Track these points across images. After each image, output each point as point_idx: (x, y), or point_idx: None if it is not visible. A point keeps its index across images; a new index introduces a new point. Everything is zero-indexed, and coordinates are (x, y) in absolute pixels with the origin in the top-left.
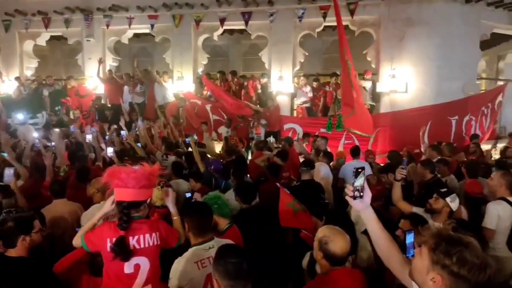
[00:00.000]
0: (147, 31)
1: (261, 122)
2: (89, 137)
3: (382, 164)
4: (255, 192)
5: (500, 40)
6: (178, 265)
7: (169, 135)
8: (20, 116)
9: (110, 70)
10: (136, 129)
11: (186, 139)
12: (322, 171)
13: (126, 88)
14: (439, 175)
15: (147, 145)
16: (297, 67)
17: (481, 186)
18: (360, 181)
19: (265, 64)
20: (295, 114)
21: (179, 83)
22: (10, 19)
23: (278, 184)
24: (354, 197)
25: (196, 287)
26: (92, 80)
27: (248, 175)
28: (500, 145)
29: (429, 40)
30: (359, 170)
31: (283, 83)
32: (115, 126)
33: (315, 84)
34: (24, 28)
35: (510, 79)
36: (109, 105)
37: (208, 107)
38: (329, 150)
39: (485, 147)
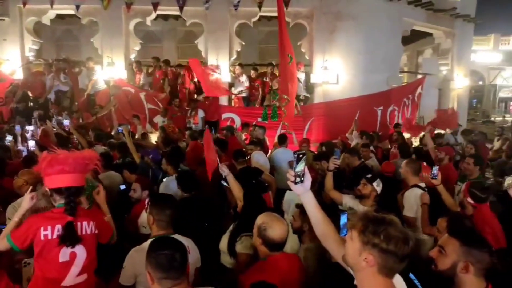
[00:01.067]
0: (72, 12)
1: (199, 111)
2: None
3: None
4: (197, 181)
5: (419, 37)
6: (135, 254)
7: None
8: None
9: (29, 62)
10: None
11: (119, 128)
12: (260, 160)
13: (48, 77)
14: (363, 159)
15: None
16: (234, 56)
17: (393, 167)
18: (301, 167)
19: (202, 52)
20: (232, 104)
21: (110, 70)
22: None
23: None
24: (295, 182)
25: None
26: (9, 64)
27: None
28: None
29: (356, 34)
30: (300, 156)
31: (220, 72)
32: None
33: (253, 73)
34: None
35: (428, 73)
36: (31, 97)
37: (142, 95)
38: (267, 140)
39: (406, 135)
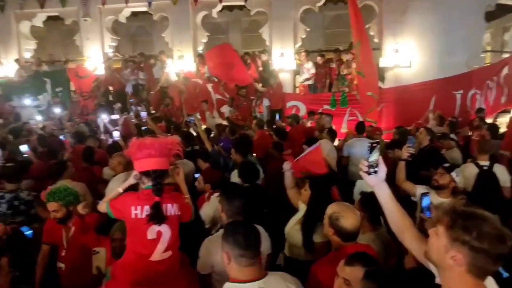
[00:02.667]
0: (144, 9)
1: (264, 100)
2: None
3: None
4: (257, 172)
5: (506, 11)
6: (208, 244)
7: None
8: (27, 101)
9: (109, 58)
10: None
11: (190, 118)
12: (326, 149)
13: (125, 72)
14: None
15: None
16: (299, 43)
17: None
18: (375, 156)
19: (266, 41)
20: (297, 92)
21: (180, 63)
22: None
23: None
24: (369, 173)
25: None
26: (91, 60)
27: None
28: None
29: (431, 13)
30: (374, 145)
31: (285, 60)
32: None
33: (319, 59)
34: (19, 8)
35: None
36: (111, 91)
37: (209, 86)
38: (333, 127)
39: (489, 121)
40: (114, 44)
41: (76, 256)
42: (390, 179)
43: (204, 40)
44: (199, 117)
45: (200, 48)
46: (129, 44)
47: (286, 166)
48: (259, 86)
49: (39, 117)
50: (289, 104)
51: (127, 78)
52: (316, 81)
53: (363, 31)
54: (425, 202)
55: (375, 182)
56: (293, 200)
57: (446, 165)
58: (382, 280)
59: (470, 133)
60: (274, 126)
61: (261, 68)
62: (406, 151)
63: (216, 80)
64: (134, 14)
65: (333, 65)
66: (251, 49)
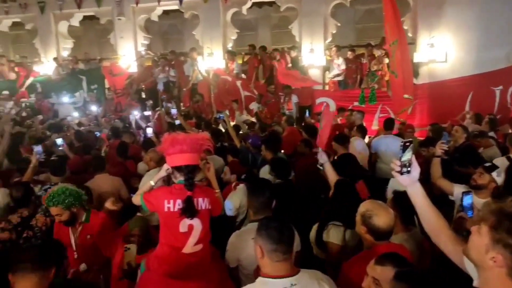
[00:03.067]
0: (176, 7)
1: (292, 97)
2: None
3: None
4: (290, 168)
5: None
6: (235, 239)
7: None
8: (65, 99)
9: (141, 56)
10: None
11: (219, 115)
12: (359, 146)
13: (156, 69)
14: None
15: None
16: (329, 39)
17: None
18: (408, 155)
19: (296, 37)
20: (327, 88)
21: (210, 60)
22: (44, 1)
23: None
24: (401, 172)
25: (252, 264)
26: (125, 58)
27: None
28: None
29: (469, 5)
30: (407, 143)
31: (314, 56)
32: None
33: (350, 54)
34: (58, 9)
35: None
36: (143, 88)
37: (238, 83)
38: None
39: None
40: (146, 42)
41: (88, 257)
42: (424, 179)
43: (234, 37)
44: (228, 113)
45: (229, 45)
46: (161, 42)
47: (323, 157)
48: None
49: (75, 114)
50: (318, 100)
51: (158, 75)
52: (346, 77)
53: (401, 29)
54: (467, 201)
55: (408, 182)
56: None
57: (487, 164)
58: (413, 281)
59: (510, 131)
60: (303, 123)
61: (290, 65)
62: (440, 147)
63: (244, 76)
64: (166, 12)
65: (364, 61)
66: (280, 45)
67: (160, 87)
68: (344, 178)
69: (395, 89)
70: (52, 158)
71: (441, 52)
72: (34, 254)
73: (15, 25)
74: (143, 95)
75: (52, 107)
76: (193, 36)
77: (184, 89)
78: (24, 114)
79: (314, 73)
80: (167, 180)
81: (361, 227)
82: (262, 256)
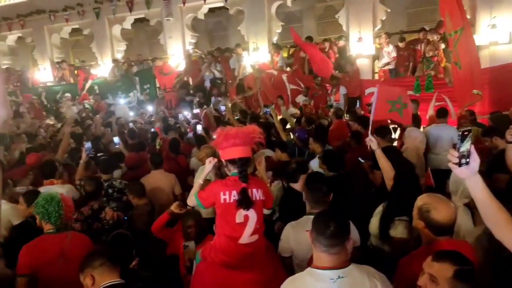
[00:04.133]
0: (221, 4)
1: (340, 88)
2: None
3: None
4: (343, 160)
5: None
6: (290, 230)
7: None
8: (121, 100)
9: (188, 54)
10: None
11: (266, 110)
12: (418, 137)
13: (203, 66)
14: None
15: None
16: (378, 26)
17: None
18: (466, 146)
19: (343, 26)
20: (377, 78)
21: (255, 54)
22: (99, 6)
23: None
24: (460, 164)
25: (305, 255)
26: (174, 58)
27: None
28: None
29: None
30: (465, 133)
31: (363, 44)
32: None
33: (401, 42)
34: (112, 14)
35: None
36: (191, 85)
37: (284, 77)
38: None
39: None
40: (193, 41)
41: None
42: (487, 171)
43: (279, 30)
44: (274, 107)
45: (274, 39)
46: (207, 40)
47: (373, 143)
48: (335, 72)
49: (130, 113)
50: (367, 91)
51: (205, 72)
52: (397, 65)
53: (464, 15)
54: None
55: (467, 174)
56: None
57: None
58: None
59: None
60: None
61: (337, 55)
62: (510, 134)
63: (290, 70)
64: (212, 10)
65: (417, 47)
66: (327, 36)
67: (207, 84)
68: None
69: (459, 82)
70: (102, 157)
71: (504, 33)
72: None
73: (74, 31)
74: (191, 91)
75: (109, 107)
76: (238, 32)
77: (231, 81)
78: (83, 114)
79: (363, 62)
80: (219, 174)
81: (418, 222)
82: (315, 248)
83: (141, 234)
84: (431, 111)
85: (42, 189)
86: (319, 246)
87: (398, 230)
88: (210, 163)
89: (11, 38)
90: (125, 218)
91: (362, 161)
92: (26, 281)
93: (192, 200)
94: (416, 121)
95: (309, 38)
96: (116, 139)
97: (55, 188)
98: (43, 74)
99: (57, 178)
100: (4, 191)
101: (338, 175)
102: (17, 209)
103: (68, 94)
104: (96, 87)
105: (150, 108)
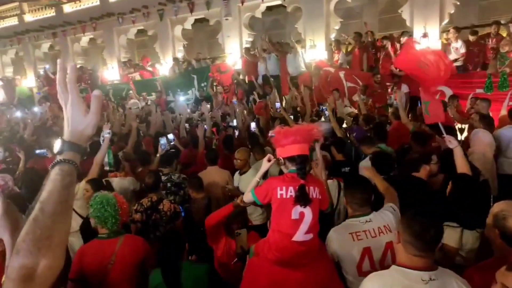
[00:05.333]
0: (279, 2)
1: (402, 86)
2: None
3: None
4: (392, 163)
5: None
6: (333, 233)
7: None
8: (181, 98)
9: (246, 48)
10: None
11: (323, 107)
12: (485, 138)
13: (258, 62)
14: None
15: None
16: (446, 20)
17: None
18: None
19: (406, 21)
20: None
21: (312, 52)
22: (163, 8)
23: None
24: None
25: (349, 258)
26: (232, 56)
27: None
28: None
29: None
30: None
31: (428, 40)
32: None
33: (471, 36)
34: (174, 15)
35: None
36: (246, 81)
37: (341, 74)
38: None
39: None
40: (250, 39)
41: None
42: None
43: (337, 26)
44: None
45: (332, 35)
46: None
47: (453, 142)
48: (396, 70)
49: (188, 110)
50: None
51: (259, 68)
52: (466, 62)
53: None
54: None
55: None
56: None
57: None
58: None
59: None
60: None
61: (398, 52)
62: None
63: (348, 67)
64: (269, 8)
65: (488, 42)
66: (388, 32)
67: (260, 80)
68: (464, 173)
69: None
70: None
71: None
72: None
73: (139, 32)
74: (245, 88)
75: (169, 104)
76: (295, 29)
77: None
78: (146, 110)
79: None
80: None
81: (492, 229)
82: (398, 242)
83: (198, 227)
84: (503, 111)
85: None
86: (413, 249)
87: (445, 236)
88: (268, 162)
89: (84, 39)
90: (181, 210)
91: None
92: (75, 286)
93: (248, 196)
94: (487, 122)
95: (358, 34)
96: (170, 136)
97: (120, 181)
98: (111, 72)
99: (120, 171)
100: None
101: (386, 178)
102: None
103: (131, 92)
104: (158, 84)
105: (204, 105)
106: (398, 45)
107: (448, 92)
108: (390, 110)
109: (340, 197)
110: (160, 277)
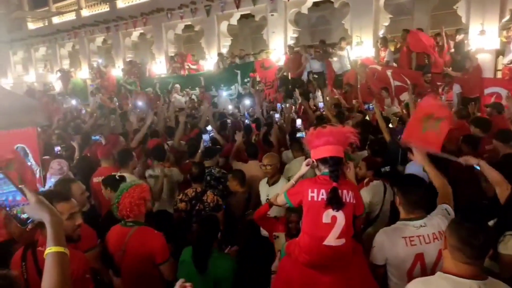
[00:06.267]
0: None
1: (454, 87)
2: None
3: None
4: (444, 168)
5: None
6: (383, 236)
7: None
8: (223, 93)
9: (290, 46)
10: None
11: (370, 106)
12: None
13: (303, 60)
14: None
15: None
16: (507, 17)
17: None
18: None
19: (462, 17)
20: (499, 76)
21: (358, 49)
22: (210, 4)
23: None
24: None
25: (400, 264)
26: (276, 52)
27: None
28: None
29: None
30: None
31: (486, 38)
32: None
33: None
34: (220, 10)
35: None
36: (290, 78)
37: (389, 72)
38: None
39: None
40: (295, 35)
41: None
42: None
43: (386, 23)
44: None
45: (381, 32)
46: (308, 34)
47: (471, 159)
48: (449, 70)
49: (230, 106)
50: (487, 90)
51: (305, 64)
52: None
53: None
54: None
55: None
56: None
57: None
58: None
59: None
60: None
61: (452, 50)
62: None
63: (396, 65)
64: (316, 4)
65: None
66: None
67: (305, 77)
68: None
69: None
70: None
71: None
72: None
73: (186, 27)
74: (289, 86)
75: (212, 99)
76: (342, 26)
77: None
78: (190, 105)
79: (484, 58)
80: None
81: None
82: (445, 248)
83: (237, 220)
84: None
85: (150, 171)
86: (460, 256)
87: (509, 246)
88: (306, 166)
89: (135, 34)
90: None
91: (478, 167)
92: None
93: (281, 198)
94: None
95: (406, 31)
96: (209, 127)
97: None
98: (158, 66)
99: (165, 161)
100: (127, 163)
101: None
102: None
103: (177, 85)
104: (202, 79)
105: (247, 101)
106: (452, 43)
107: (505, 94)
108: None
109: (385, 199)
110: (188, 254)
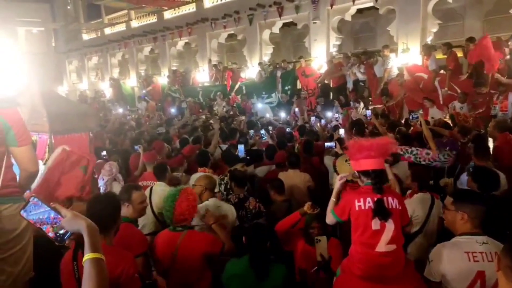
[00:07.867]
0: (370, 4)
1: (509, 96)
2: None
3: None
4: (497, 180)
5: None
6: (443, 249)
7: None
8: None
9: (332, 57)
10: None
11: (414, 115)
12: None
13: (345, 68)
14: None
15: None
16: None
17: None
18: None
19: None
20: None
21: (404, 56)
22: (253, 13)
23: None
24: None
25: (460, 279)
26: (317, 60)
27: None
28: None
29: None
30: None
31: None
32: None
33: None
34: (263, 19)
35: None
36: (331, 86)
37: (436, 80)
38: None
39: None
40: (338, 43)
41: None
42: None
43: (434, 29)
44: (422, 112)
45: (429, 39)
46: (351, 42)
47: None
48: (499, 76)
49: (270, 113)
50: None
51: (347, 71)
52: None
53: None
54: None
55: None
56: None
57: None
58: None
59: None
60: None
61: (508, 56)
62: None
63: (443, 72)
64: (359, 11)
65: None
66: (495, 35)
67: (350, 85)
68: None
69: None
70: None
71: None
72: None
73: (229, 36)
74: (331, 94)
75: (253, 107)
76: (387, 33)
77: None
78: (231, 112)
79: None
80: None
81: None
82: (498, 269)
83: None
84: None
85: (194, 176)
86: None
87: None
88: (340, 180)
89: (180, 43)
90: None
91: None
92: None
93: (330, 217)
94: None
95: (470, 39)
96: (251, 133)
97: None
98: (202, 75)
99: (209, 167)
100: (164, 176)
101: (492, 195)
102: None
103: (220, 93)
104: (243, 88)
105: (287, 108)
106: (506, 50)
107: None
108: (491, 122)
109: (432, 214)
110: (238, 267)
